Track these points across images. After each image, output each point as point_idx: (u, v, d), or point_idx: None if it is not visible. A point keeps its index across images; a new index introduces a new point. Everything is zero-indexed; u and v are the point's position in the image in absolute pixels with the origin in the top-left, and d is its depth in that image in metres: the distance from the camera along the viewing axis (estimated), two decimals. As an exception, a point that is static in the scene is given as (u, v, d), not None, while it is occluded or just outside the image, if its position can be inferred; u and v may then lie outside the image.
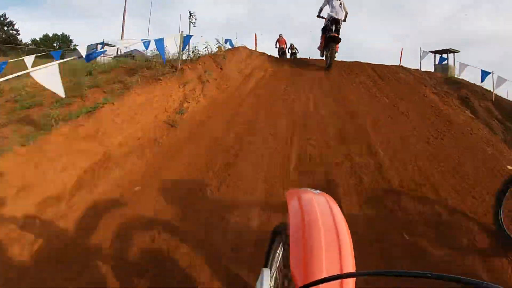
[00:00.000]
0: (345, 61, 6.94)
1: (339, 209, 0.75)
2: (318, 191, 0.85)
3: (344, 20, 5.61)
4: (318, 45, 6.24)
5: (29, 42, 30.04)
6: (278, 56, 10.45)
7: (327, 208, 0.73)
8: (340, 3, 5.43)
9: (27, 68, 4.07)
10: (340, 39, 5.51)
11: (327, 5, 5.53)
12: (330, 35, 5.42)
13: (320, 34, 5.98)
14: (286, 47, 12.10)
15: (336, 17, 5.37)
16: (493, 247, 2.22)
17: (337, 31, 5.47)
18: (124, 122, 3.72)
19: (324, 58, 6.07)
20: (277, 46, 12.05)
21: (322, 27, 5.84)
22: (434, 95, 5.69)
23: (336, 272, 0.59)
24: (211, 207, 2.59)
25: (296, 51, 12.19)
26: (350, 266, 0.61)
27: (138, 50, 11.28)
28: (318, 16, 5.90)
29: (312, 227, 0.66)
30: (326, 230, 0.65)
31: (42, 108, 3.85)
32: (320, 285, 0.51)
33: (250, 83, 5.87)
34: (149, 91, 4.31)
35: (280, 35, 12.15)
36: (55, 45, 30.44)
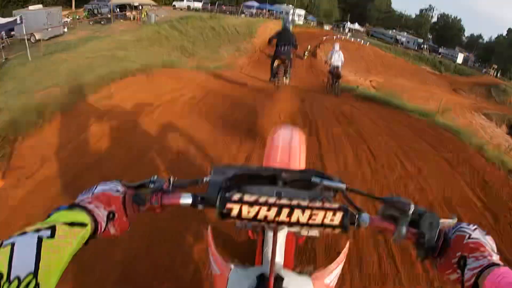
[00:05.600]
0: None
1: (298, 137, 1.23)
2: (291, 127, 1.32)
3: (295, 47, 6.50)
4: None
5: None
6: None
7: (289, 136, 1.23)
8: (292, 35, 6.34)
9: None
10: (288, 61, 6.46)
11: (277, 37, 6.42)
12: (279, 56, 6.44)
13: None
14: None
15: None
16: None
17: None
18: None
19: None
20: None
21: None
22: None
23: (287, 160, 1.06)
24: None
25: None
26: (297, 160, 1.07)
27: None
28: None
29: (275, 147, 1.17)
30: (282, 148, 1.14)
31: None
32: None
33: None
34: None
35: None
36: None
